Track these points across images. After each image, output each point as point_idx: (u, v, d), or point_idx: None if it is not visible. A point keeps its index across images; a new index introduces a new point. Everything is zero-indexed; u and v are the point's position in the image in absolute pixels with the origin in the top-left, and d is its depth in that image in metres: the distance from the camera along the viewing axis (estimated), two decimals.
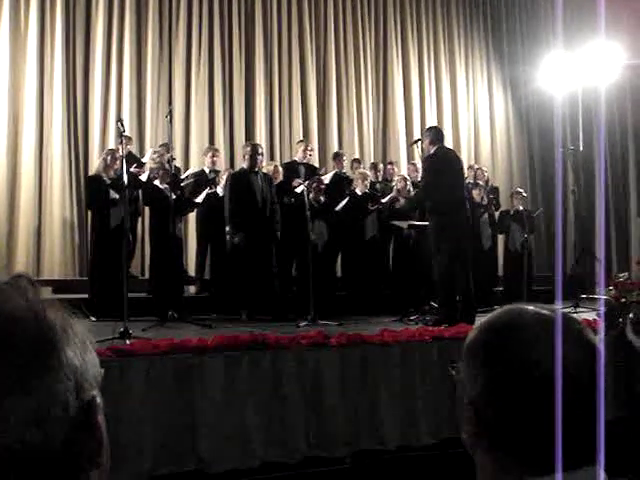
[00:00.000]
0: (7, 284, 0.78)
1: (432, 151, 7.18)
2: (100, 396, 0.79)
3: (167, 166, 7.86)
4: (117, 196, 7.53)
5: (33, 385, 0.72)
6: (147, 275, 8.81)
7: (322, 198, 8.60)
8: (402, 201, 8.79)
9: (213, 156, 9.04)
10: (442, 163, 7.12)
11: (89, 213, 8.51)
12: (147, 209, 8.65)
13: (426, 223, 7.85)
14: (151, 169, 8.30)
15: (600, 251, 8.96)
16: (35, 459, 0.72)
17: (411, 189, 9.14)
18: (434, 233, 6.96)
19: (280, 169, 9.30)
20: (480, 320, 1.12)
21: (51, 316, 0.77)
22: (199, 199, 8.32)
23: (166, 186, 7.72)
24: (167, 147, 8.26)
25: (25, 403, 0.72)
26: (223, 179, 8.51)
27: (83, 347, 0.79)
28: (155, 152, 8.83)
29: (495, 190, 10.62)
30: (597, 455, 0.96)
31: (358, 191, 9.06)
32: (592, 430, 0.97)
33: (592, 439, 0.97)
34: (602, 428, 0.96)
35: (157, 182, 7.90)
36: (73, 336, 0.78)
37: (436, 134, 7.36)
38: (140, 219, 9.20)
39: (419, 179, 9.51)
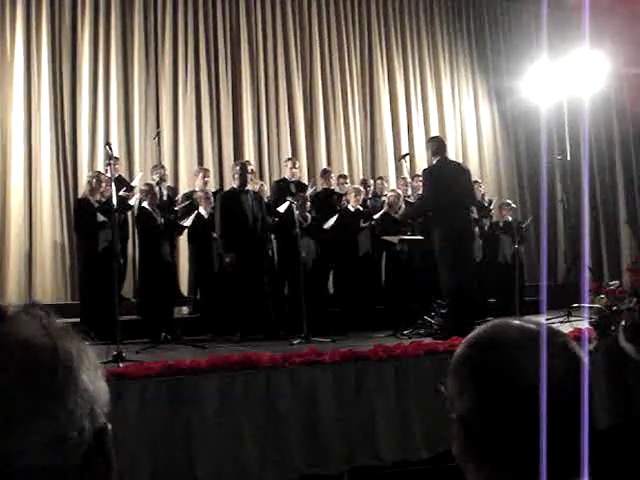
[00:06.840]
0: (23, 312, 0.80)
1: (433, 162, 7.19)
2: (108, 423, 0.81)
3: (156, 189, 7.84)
4: (105, 219, 7.51)
5: (53, 410, 0.74)
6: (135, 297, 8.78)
7: (308, 215, 8.58)
8: (400, 211, 8.74)
9: (204, 177, 9.02)
10: (440, 175, 7.09)
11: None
12: (135, 232, 8.62)
13: (417, 237, 7.87)
14: (141, 191, 8.27)
15: (585, 259, 9.00)
16: None
17: (402, 204, 9.15)
18: (438, 244, 6.95)
19: (266, 188, 9.31)
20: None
21: (67, 343, 0.79)
22: (187, 222, 8.18)
23: (155, 209, 7.70)
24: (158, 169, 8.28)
25: (45, 427, 0.74)
26: (203, 200, 8.50)
27: (95, 374, 0.81)
28: (152, 173, 8.74)
29: (489, 203, 10.68)
30: (582, 466, 0.96)
31: (350, 207, 9.04)
32: (578, 441, 0.98)
33: (578, 450, 0.98)
34: (587, 439, 0.97)
35: (145, 204, 7.84)
36: (87, 362, 0.80)
37: (438, 145, 7.31)
38: (131, 242, 9.18)
39: (409, 193, 9.56)
